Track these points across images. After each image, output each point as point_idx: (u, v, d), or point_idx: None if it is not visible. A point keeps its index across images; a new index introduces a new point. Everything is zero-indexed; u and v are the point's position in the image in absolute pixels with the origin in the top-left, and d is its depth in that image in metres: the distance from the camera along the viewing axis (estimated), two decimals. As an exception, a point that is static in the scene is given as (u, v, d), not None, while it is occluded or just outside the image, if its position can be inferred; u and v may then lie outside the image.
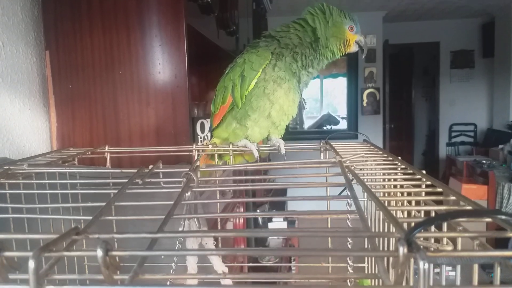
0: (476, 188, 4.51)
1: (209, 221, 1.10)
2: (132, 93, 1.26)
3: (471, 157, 5.45)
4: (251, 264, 1.76)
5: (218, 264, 0.57)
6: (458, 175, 5.06)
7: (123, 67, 1.25)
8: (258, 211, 2.94)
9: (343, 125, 6.91)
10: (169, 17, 1.24)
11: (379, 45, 5.76)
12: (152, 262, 0.84)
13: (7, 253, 0.30)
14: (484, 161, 4.82)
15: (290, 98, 0.95)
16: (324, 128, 7.32)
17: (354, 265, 0.60)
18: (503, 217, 0.29)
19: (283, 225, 2.94)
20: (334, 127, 7.30)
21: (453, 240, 0.45)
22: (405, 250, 0.26)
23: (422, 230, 0.29)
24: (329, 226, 0.79)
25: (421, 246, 0.43)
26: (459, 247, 0.41)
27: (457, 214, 0.30)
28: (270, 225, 2.89)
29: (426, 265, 0.25)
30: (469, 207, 0.37)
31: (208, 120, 1.67)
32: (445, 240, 0.44)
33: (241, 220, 1.96)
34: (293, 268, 3.20)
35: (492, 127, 6.34)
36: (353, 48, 1.00)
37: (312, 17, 0.96)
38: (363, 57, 1.02)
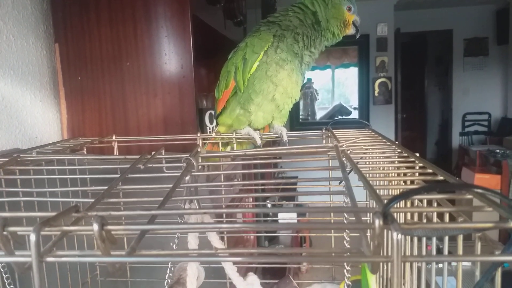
0: (489, 178, 4.46)
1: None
2: (140, 84, 1.28)
3: (484, 146, 5.38)
4: (260, 250, 1.77)
5: (216, 241, 0.59)
6: (471, 164, 5.01)
7: (130, 59, 1.28)
8: (268, 201, 2.96)
9: (355, 115, 6.87)
10: (175, 8, 1.25)
11: (390, 34, 5.70)
12: (155, 246, 0.87)
13: (11, 228, 0.32)
14: (497, 151, 4.75)
15: (293, 80, 0.96)
16: (336, 118, 7.29)
17: (348, 230, 0.62)
18: (479, 190, 0.30)
19: (294, 213, 2.95)
20: (346, 118, 7.26)
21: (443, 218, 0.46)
22: (381, 222, 0.27)
23: (395, 206, 0.30)
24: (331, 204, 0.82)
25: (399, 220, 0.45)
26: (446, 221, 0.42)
27: (430, 188, 0.32)
28: (280, 215, 2.90)
29: (400, 236, 0.26)
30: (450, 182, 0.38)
31: (216, 110, 1.69)
32: (435, 218, 0.45)
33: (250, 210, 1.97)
34: (304, 254, 3.21)
35: (507, 116, 6.24)
36: (351, 30, 1.01)
37: (311, 0, 0.97)
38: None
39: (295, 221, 3.16)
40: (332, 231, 0.81)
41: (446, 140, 7.04)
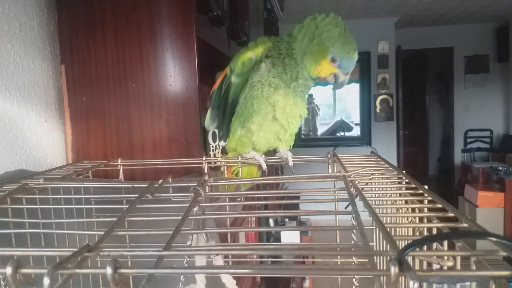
0: (493, 196, 4.45)
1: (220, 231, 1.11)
2: (145, 105, 1.29)
3: (487, 163, 5.38)
4: (263, 275, 1.76)
5: (226, 278, 0.59)
6: (474, 182, 4.99)
7: (135, 80, 1.29)
8: (270, 220, 2.95)
9: (356, 131, 6.88)
10: (180, 31, 1.27)
11: (391, 51, 5.75)
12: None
13: (24, 270, 0.32)
14: (500, 168, 4.74)
15: (290, 102, 0.94)
16: (338, 134, 7.31)
17: (359, 276, 0.62)
18: (494, 239, 0.30)
19: (296, 234, 2.94)
20: (347, 134, 7.27)
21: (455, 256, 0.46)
22: (396, 269, 0.27)
23: (418, 249, 0.30)
24: (337, 239, 0.80)
25: (423, 261, 0.44)
26: (458, 263, 0.42)
27: (447, 235, 0.32)
28: (283, 234, 2.89)
29: (416, 285, 0.26)
30: (464, 225, 0.38)
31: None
32: (446, 256, 0.45)
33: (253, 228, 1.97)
34: (307, 277, 3.20)
35: (509, 132, 6.25)
36: (328, 78, 0.91)
37: (300, 27, 0.91)
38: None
39: (298, 241, 3.14)
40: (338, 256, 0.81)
41: (448, 157, 7.05)
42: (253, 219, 1.93)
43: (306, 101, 1.00)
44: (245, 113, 0.96)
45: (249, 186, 0.98)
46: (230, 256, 0.86)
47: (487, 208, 4.43)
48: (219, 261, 0.57)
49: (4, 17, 1.18)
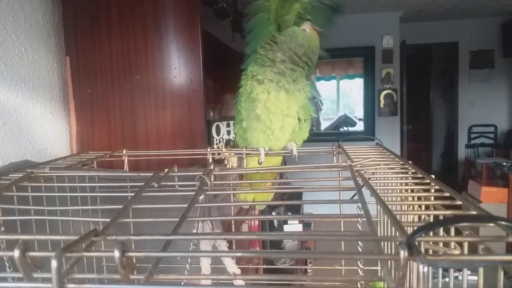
0: (496, 191, 4.43)
1: (224, 222, 1.12)
2: (149, 97, 1.29)
3: (491, 159, 5.36)
4: (266, 266, 1.77)
5: (230, 265, 0.59)
6: (478, 177, 4.98)
7: (140, 72, 1.28)
8: (273, 213, 2.95)
9: (360, 126, 6.86)
10: (185, 23, 1.26)
11: (396, 46, 5.72)
12: (167, 263, 0.86)
13: (31, 253, 0.32)
14: (504, 163, 4.72)
15: (271, 96, 0.86)
16: (341, 129, 7.29)
17: (365, 268, 0.62)
18: (504, 222, 0.30)
19: (299, 227, 2.94)
20: (351, 129, 7.25)
21: (462, 244, 0.46)
22: (406, 254, 0.27)
23: (424, 235, 0.30)
24: (342, 229, 0.80)
25: (429, 250, 0.44)
26: (465, 250, 0.42)
27: (456, 219, 0.31)
28: (286, 227, 2.90)
29: (425, 269, 0.26)
30: (472, 212, 0.38)
31: (224, 122, 1.70)
32: (452, 244, 0.44)
33: (256, 222, 1.98)
34: (309, 270, 3.20)
35: (513, 128, 6.22)
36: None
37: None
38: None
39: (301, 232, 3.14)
40: (342, 245, 0.81)
41: (452, 152, 7.02)
42: (256, 212, 1.93)
43: (302, 96, 0.89)
44: (238, 107, 0.96)
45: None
46: (234, 247, 0.87)
47: (490, 203, 4.42)
48: (223, 248, 0.57)
49: (9, 8, 1.18)
